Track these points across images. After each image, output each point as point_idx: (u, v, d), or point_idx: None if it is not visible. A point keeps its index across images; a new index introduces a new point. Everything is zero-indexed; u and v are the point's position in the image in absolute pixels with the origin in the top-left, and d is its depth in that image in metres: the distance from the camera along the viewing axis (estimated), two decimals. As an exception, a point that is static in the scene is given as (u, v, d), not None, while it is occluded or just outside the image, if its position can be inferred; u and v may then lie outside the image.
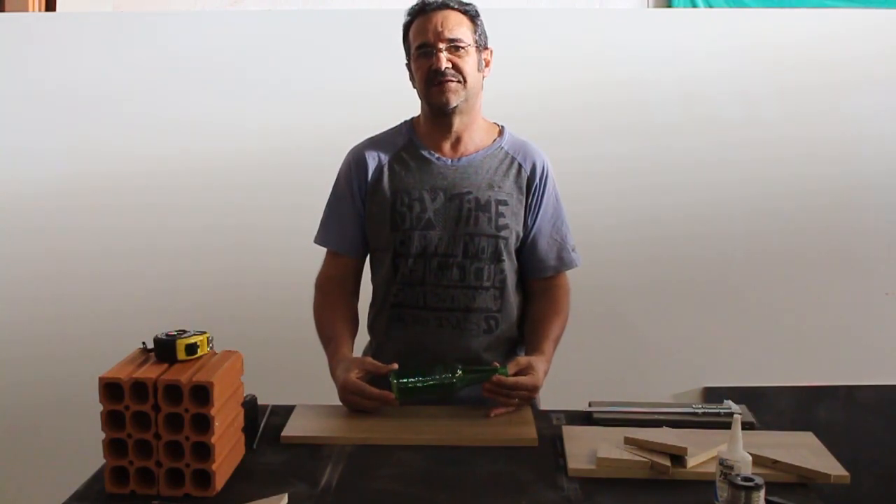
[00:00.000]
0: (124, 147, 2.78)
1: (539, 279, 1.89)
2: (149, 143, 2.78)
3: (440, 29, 1.75)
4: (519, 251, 1.85)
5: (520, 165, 1.84)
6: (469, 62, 1.77)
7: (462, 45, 1.76)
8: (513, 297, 1.86)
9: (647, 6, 3.73)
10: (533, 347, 1.81)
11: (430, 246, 1.80)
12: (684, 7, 3.63)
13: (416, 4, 1.81)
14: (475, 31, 1.80)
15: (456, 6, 1.78)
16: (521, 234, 1.84)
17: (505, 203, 1.80)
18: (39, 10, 3.43)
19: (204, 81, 2.78)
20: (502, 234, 1.80)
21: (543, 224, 1.85)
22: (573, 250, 1.88)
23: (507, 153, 1.85)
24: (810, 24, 2.84)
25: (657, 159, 2.80)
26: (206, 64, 2.78)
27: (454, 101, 1.77)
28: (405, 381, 1.66)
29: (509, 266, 1.83)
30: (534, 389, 1.69)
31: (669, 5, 3.69)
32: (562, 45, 2.78)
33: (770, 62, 2.79)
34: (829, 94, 2.80)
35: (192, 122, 2.78)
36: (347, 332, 1.86)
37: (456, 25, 1.76)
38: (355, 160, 1.87)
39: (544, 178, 1.85)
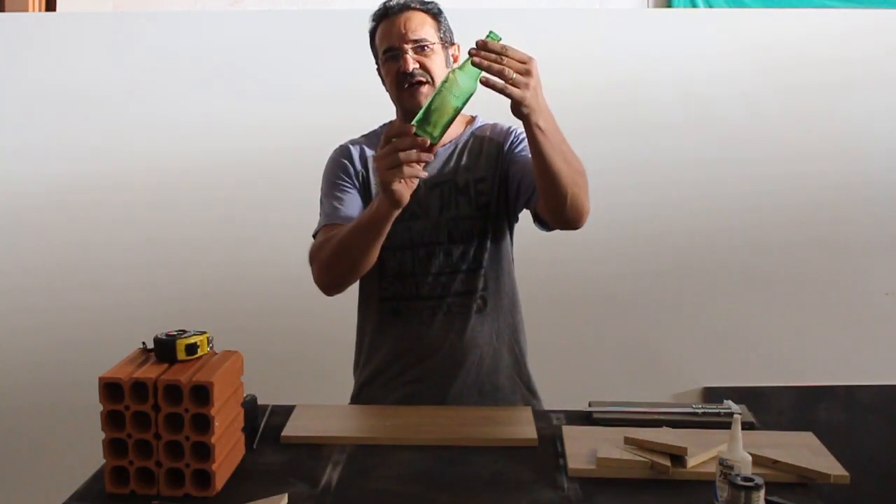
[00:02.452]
0: (124, 146, 2.78)
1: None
2: (148, 142, 2.78)
3: (404, 31, 1.75)
4: (518, 192, 1.80)
5: (490, 139, 1.86)
6: (436, 61, 1.78)
7: (427, 44, 1.76)
8: (501, 272, 1.85)
9: (647, 6, 3.73)
10: None
11: (415, 237, 1.81)
12: (684, 7, 3.63)
13: (379, 8, 1.82)
14: (439, 29, 1.81)
15: (417, 6, 1.79)
16: (507, 193, 1.82)
17: (483, 179, 1.82)
18: (39, 10, 3.42)
19: (204, 81, 2.78)
20: (483, 212, 1.81)
21: (520, 159, 1.80)
22: None
23: (476, 136, 1.87)
24: (810, 24, 2.85)
25: (656, 159, 2.80)
26: (206, 64, 2.79)
27: (425, 102, 1.76)
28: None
29: (496, 238, 1.84)
30: (527, 60, 1.45)
31: (669, 5, 3.68)
32: (561, 45, 2.78)
33: (770, 62, 2.79)
34: (828, 94, 2.80)
35: (192, 121, 2.78)
36: None
37: (419, 26, 1.77)
38: (342, 153, 1.89)
39: (515, 136, 1.84)
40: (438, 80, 1.76)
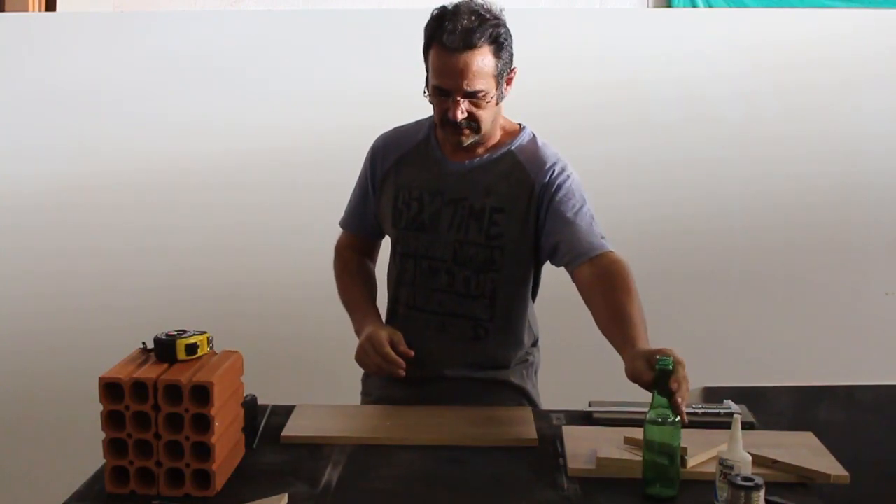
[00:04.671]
0: (124, 147, 2.78)
1: (580, 266, 1.71)
2: (148, 142, 2.78)
3: (460, 80, 1.61)
4: (554, 251, 1.76)
5: (527, 172, 1.75)
6: (487, 109, 1.67)
7: (481, 94, 1.64)
8: (512, 307, 1.81)
9: (647, 6, 3.73)
10: (618, 343, 1.65)
11: (420, 248, 1.79)
12: (684, 7, 3.63)
13: (442, 27, 1.62)
14: (497, 66, 1.65)
15: (482, 41, 1.61)
16: (535, 238, 1.77)
17: (500, 210, 1.74)
18: (39, 10, 3.43)
19: (204, 81, 2.78)
20: (494, 242, 1.75)
21: (562, 220, 1.73)
22: (602, 238, 1.73)
23: (514, 157, 1.77)
24: (810, 24, 2.85)
25: (656, 159, 2.79)
26: (206, 64, 2.78)
27: (466, 142, 1.72)
28: None
29: (508, 276, 1.78)
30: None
31: (669, 5, 3.69)
32: (562, 45, 2.78)
33: (770, 62, 2.79)
34: (829, 94, 2.79)
35: (192, 122, 2.77)
36: (370, 297, 1.90)
37: (477, 74, 1.62)
38: (374, 151, 1.88)
39: (555, 179, 1.74)
40: (485, 128, 1.69)
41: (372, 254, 1.98)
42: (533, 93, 2.68)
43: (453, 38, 1.61)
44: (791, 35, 2.81)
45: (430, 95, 1.70)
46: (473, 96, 1.64)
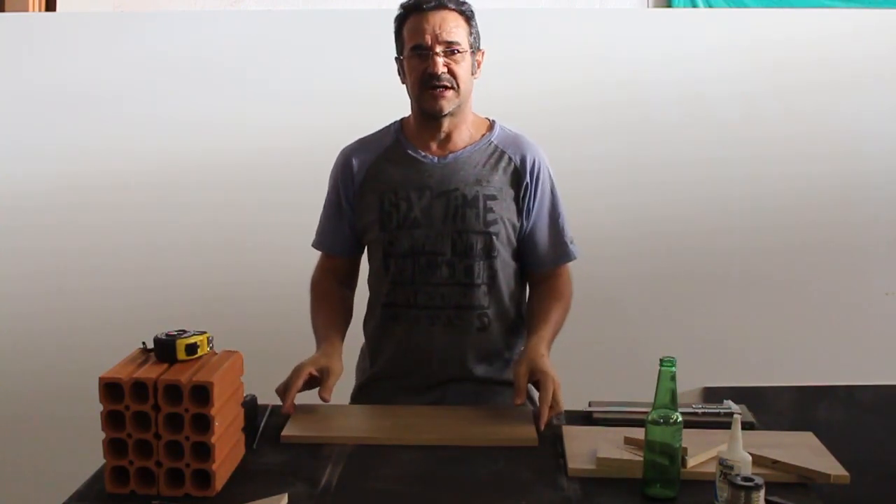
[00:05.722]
0: (124, 146, 2.78)
1: (538, 272, 1.88)
2: (148, 142, 2.78)
3: (437, 31, 1.72)
4: (518, 244, 1.84)
5: (510, 159, 1.81)
6: (464, 67, 1.75)
7: (459, 48, 1.73)
8: (507, 293, 1.84)
9: (647, 6, 3.72)
10: (530, 331, 1.80)
11: (417, 245, 1.79)
12: (684, 7, 3.63)
13: (414, 4, 1.76)
14: (470, 34, 1.77)
15: (453, 6, 1.75)
16: (519, 226, 1.82)
17: (493, 198, 1.79)
18: (39, 10, 3.42)
19: (204, 81, 2.78)
20: (491, 229, 1.78)
21: (539, 218, 1.83)
22: (571, 242, 1.86)
23: (496, 147, 1.83)
24: (810, 24, 2.85)
25: (656, 159, 2.80)
26: (206, 64, 2.78)
27: (447, 108, 1.75)
28: None
29: (503, 261, 1.81)
30: (554, 383, 1.66)
31: (669, 5, 3.68)
32: (562, 45, 2.78)
33: (770, 62, 2.79)
34: (828, 94, 2.80)
35: (191, 122, 2.78)
36: (336, 324, 1.88)
37: (454, 28, 1.73)
38: (342, 163, 1.88)
39: (536, 172, 1.81)
40: (464, 88, 1.75)
41: (351, 280, 1.96)
42: (533, 93, 2.70)
43: (429, 2, 1.74)
44: (791, 35, 2.81)
45: (407, 70, 1.77)
46: (450, 49, 1.72)
